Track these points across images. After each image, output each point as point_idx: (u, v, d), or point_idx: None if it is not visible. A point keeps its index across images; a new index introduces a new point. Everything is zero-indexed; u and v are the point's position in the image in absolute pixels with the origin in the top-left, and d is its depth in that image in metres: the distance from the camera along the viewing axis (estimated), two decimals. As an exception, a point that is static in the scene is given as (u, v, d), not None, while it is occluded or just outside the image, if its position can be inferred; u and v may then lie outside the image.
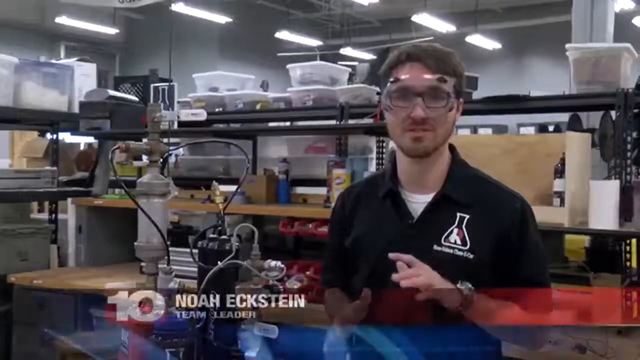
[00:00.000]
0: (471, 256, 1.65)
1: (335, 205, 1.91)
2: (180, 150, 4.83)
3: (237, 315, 1.72)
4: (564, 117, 4.46)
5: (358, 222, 1.77)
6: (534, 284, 1.69)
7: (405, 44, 1.74)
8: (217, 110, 4.70)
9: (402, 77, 1.64)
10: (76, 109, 4.46)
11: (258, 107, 4.64)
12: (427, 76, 1.63)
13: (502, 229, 1.67)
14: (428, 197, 1.71)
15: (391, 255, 1.59)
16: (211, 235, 1.76)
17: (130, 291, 1.86)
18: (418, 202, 1.71)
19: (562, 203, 2.90)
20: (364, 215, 1.77)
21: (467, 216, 1.67)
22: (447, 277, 1.65)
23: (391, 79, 1.66)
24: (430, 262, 1.65)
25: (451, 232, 1.67)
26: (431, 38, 10.23)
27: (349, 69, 4.63)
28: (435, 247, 1.66)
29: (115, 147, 1.69)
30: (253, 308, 1.71)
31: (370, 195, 1.79)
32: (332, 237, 1.90)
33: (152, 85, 4.44)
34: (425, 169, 1.72)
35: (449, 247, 1.66)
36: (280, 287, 1.76)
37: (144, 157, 1.78)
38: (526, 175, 3.00)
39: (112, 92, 4.49)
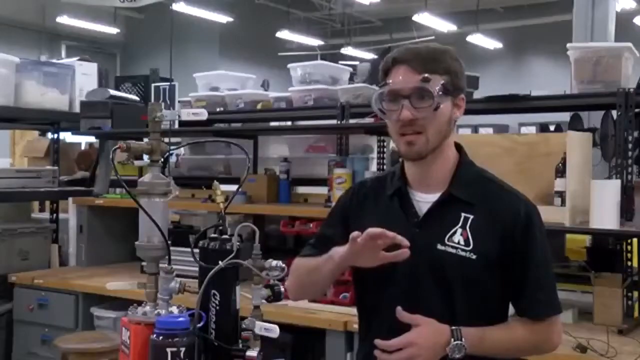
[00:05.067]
0: (474, 257, 1.65)
1: (343, 195, 1.92)
2: (181, 150, 4.83)
3: (238, 314, 1.72)
4: (565, 116, 4.45)
5: (365, 218, 1.77)
6: (538, 286, 1.69)
7: (405, 43, 1.74)
8: (218, 109, 4.70)
9: (389, 81, 1.67)
10: (77, 109, 4.46)
11: (259, 106, 4.64)
12: (411, 77, 1.64)
13: (506, 230, 1.67)
14: (434, 197, 1.71)
15: (398, 312, 1.61)
16: (212, 235, 1.76)
17: (131, 291, 1.86)
18: (424, 201, 1.72)
19: (563, 202, 2.90)
20: (371, 212, 1.78)
21: (472, 216, 1.68)
22: (449, 278, 1.65)
23: (381, 84, 1.69)
24: (433, 261, 1.67)
25: (455, 232, 1.67)
26: (432, 37, 10.24)
27: (350, 69, 4.63)
28: (439, 247, 1.67)
29: (116, 146, 1.69)
30: (254, 307, 1.71)
31: (379, 193, 1.80)
32: (330, 221, 1.89)
33: (152, 85, 4.44)
34: (427, 170, 1.72)
35: (453, 247, 1.66)
36: (281, 286, 1.76)
37: (145, 157, 1.77)
38: (527, 175, 3.00)
39: (112, 92, 4.49)
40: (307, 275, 1.81)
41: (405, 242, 1.57)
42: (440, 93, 1.63)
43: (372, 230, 1.56)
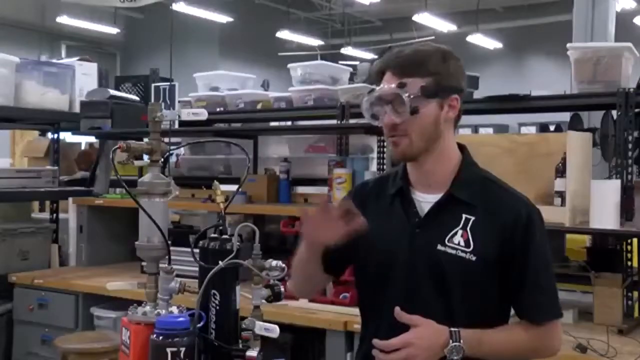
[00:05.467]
0: (474, 258, 1.65)
1: (346, 196, 1.94)
2: (181, 150, 4.83)
3: (238, 314, 1.72)
4: (565, 116, 4.46)
5: (367, 218, 1.77)
6: (539, 289, 1.68)
7: (406, 43, 1.75)
8: (218, 109, 4.70)
9: (375, 87, 1.72)
10: (77, 109, 4.46)
11: (259, 106, 4.64)
12: (393, 83, 1.68)
13: (507, 232, 1.66)
14: (436, 197, 1.71)
15: (396, 312, 1.62)
16: (212, 235, 1.76)
17: (131, 291, 1.86)
18: (426, 201, 1.72)
19: (563, 202, 2.90)
20: (372, 212, 1.78)
21: (473, 218, 1.67)
22: (448, 278, 1.65)
23: (369, 90, 1.74)
24: (432, 262, 1.67)
25: (456, 233, 1.67)
26: (432, 37, 10.23)
27: (350, 69, 4.63)
28: (439, 247, 1.67)
29: (116, 146, 1.69)
30: (254, 307, 1.71)
31: (381, 193, 1.81)
32: None
33: (153, 85, 4.43)
34: (425, 170, 1.73)
35: (453, 248, 1.66)
36: (281, 286, 1.76)
37: (145, 157, 1.77)
38: (527, 175, 3.00)
39: (113, 92, 4.49)
40: (300, 269, 1.82)
41: (354, 211, 1.62)
42: (418, 96, 1.65)
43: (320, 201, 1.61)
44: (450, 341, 1.59)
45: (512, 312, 1.76)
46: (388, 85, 1.68)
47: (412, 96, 1.64)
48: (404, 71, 1.67)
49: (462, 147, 1.78)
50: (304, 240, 1.72)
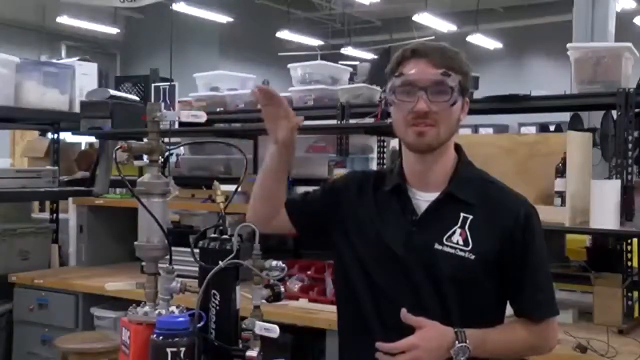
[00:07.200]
0: (473, 257, 1.64)
1: (343, 177, 1.92)
2: (181, 150, 4.83)
3: (238, 314, 1.72)
4: (565, 116, 4.46)
5: (360, 209, 1.76)
6: (537, 288, 1.69)
7: (406, 43, 1.74)
8: (218, 110, 4.70)
9: (407, 72, 1.65)
10: (77, 109, 4.46)
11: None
12: (431, 70, 1.63)
13: (506, 232, 1.66)
14: (433, 196, 1.70)
15: (403, 314, 1.61)
16: (212, 235, 1.76)
17: (131, 291, 1.86)
18: (423, 199, 1.71)
19: (563, 202, 2.90)
20: (368, 204, 1.76)
21: (471, 217, 1.67)
22: (446, 277, 1.64)
23: (396, 74, 1.67)
24: (430, 261, 1.65)
25: (454, 232, 1.66)
26: (432, 37, 10.23)
27: (350, 69, 4.63)
28: (436, 246, 1.65)
29: (118, 147, 1.69)
30: (254, 307, 1.71)
31: (378, 188, 1.78)
32: (318, 193, 1.90)
33: (152, 85, 4.43)
34: (429, 166, 1.71)
35: (451, 247, 1.65)
36: (281, 286, 1.76)
37: (145, 157, 1.77)
38: (527, 175, 3.01)
39: (113, 92, 4.49)
40: (261, 185, 1.83)
41: (298, 119, 1.79)
42: (457, 90, 1.63)
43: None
44: (457, 342, 1.58)
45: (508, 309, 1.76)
46: (424, 71, 1.63)
47: (455, 89, 1.63)
48: (444, 63, 1.64)
49: (457, 147, 1.77)
50: (271, 132, 1.81)
